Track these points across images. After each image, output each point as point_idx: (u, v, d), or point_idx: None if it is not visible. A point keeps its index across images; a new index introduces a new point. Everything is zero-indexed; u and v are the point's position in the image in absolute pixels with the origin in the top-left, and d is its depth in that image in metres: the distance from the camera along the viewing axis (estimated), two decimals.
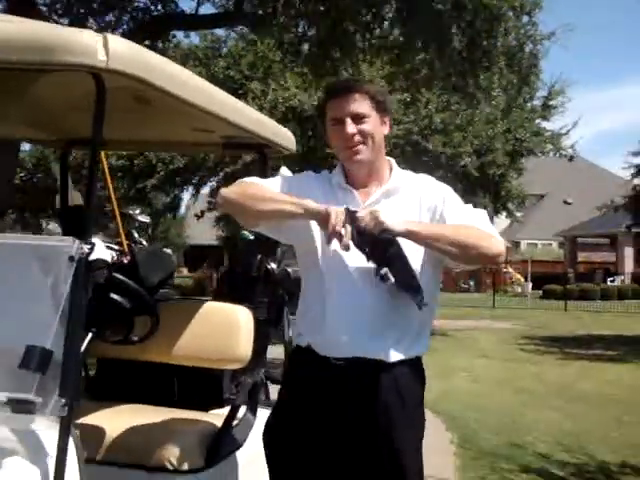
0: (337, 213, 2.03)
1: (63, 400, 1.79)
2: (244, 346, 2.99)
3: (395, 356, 2.20)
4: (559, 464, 5.25)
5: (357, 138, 2.23)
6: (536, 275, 28.73)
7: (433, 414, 6.59)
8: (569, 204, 39.45)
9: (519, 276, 30.77)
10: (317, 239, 2.25)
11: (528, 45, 9.33)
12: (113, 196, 3.79)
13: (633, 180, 14.67)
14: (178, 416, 2.83)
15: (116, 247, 3.72)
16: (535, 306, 24.04)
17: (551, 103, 15.35)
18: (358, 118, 2.23)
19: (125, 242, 3.78)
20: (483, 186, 15.04)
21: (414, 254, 2.16)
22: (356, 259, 2.15)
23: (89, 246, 1.85)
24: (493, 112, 13.41)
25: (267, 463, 2.36)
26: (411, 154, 12.84)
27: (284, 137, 3.11)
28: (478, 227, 2.19)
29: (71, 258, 1.83)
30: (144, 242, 3.97)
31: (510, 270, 31.54)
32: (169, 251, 3.56)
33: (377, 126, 2.27)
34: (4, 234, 1.97)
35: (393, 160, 2.43)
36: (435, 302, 2.34)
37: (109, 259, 3.61)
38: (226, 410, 3.23)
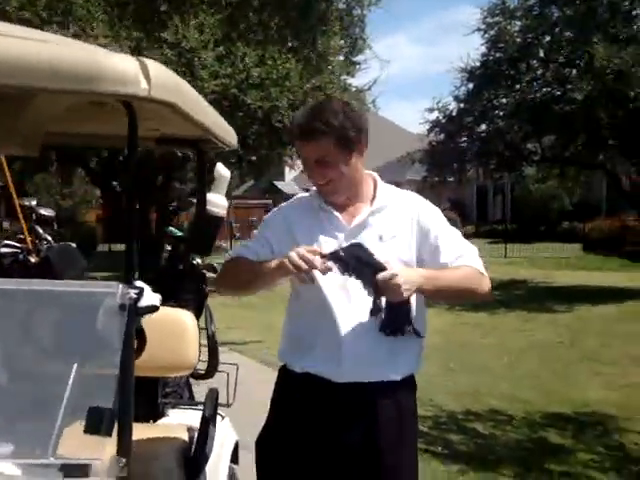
0: (290, 258, 2.03)
1: (123, 460, 1.68)
2: (193, 351, 2.94)
3: (395, 377, 2.23)
4: None
5: (325, 182, 2.22)
6: None
7: None
8: None
9: None
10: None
11: (356, 9, 9.55)
12: (12, 188, 3.37)
13: (428, 135, 15.80)
14: (141, 433, 2.69)
15: (18, 245, 3.34)
16: None
17: (355, 59, 15.91)
18: (324, 162, 2.19)
19: (29, 239, 3.40)
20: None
21: None
22: (355, 289, 2.14)
23: (136, 290, 1.71)
24: (306, 67, 13.59)
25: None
26: (228, 109, 12.65)
27: (225, 130, 2.98)
28: (472, 266, 2.24)
29: (122, 306, 1.68)
30: (49, 238, 3.60)
31: None
32: (74, 245, 3.28)
33: (346, 165, 2.20)
34: (42, 280, 1.75)
35: (375, 174, 2.39)
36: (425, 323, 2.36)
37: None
38: (172, 418, 3.16)
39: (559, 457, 4.82)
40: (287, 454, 2.25)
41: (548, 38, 13.63)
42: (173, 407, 3.24)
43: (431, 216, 2.32)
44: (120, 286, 1.69)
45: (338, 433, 2.20)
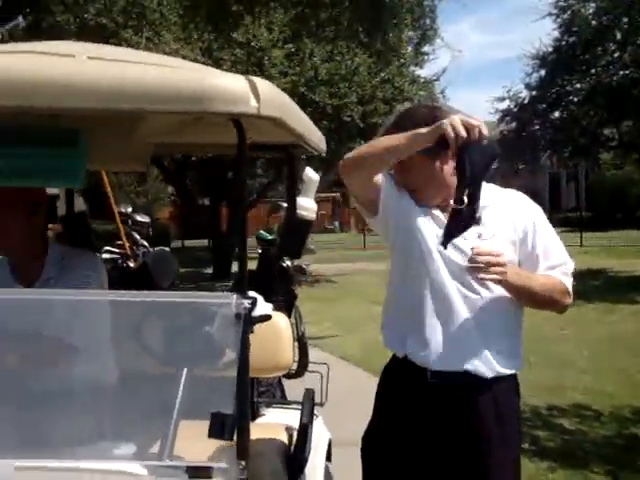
0: (453, 121, 1.97)
1: (243, 463, 1.76)
2: (288, 352, 3.02)
3: (493, 372, 2.24)
4: None
5: (411, 187, 2.27)
6: None
7: (371, 374, 6.89)
8: None
9: None
10: (420, 239, 2.26)
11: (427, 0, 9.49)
12: (111, 197, 3.53)
13: (499, 125, 15.53)
14: None
15: (117, 250, 3.50)
16: None
17: (423, 50, 15.82)
18: (407, 169, 2.24)
19: (127, 244, 3.56)
20: (362, 134, 15.33)
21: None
22: (454, 272, 2.22)
23: (250, 300, 1.79)
24: (375, 61, 13.60)
25: (363, 475, 2.43)
26: (299, 106, 12.76)
27: (317, 136, 3.04)
28: (561, 279, 2.28)
29: (237, 316, 1.76)
30: (145, 243, 3.75)
31: None
32: (168, 250, 3.41)
33: (431, 169, 2.24)
34: (162, 292, 1.86)
35: None
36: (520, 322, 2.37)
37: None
38: (269, 417, 3.26)
39: None
40: (391, 448, 2.31)
41: (626, 20, 13.17)
42: (267, 406, 3.33)
43: (533, 218, 2.32)
44: (235, 296, 1.77)
45: (437, 427, 2.24)
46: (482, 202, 2.21)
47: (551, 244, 2.31)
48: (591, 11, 13.62)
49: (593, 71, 14.05)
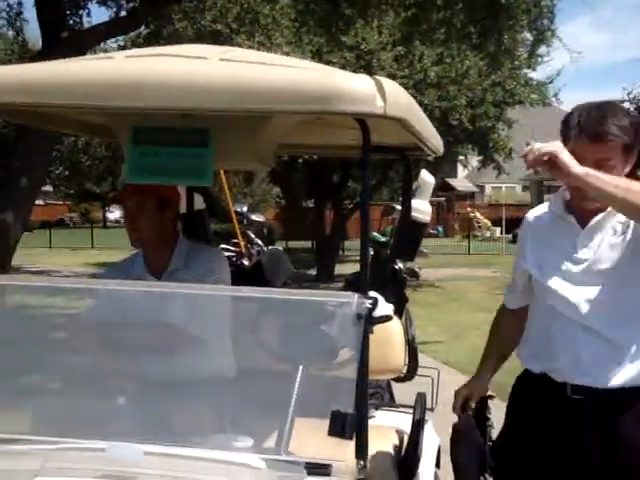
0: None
1: (362, 462, 1.76)
2: (399, 355, 3.02)
3: (634, 382, 2.13)
4: None
5: None
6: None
7: None
8: None
9: (487, 220, 31.23)
10: (539, 268, 2.25)
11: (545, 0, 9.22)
12: (229, 196, 3.66)
13: None
14: None
15: (233, 249, 3.61)
16: (509, 251, 24.49)
17: (537, 52, 15.33)
18: (604, 166, 2.08)
19: (242, 243, 3.67)
20: (470, 138, 15.10)
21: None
22: (582, 287, 2.15)
23: (371, 300, 1.79)
24: (486, 64, 13.34)
25: None
26: None
27: (436, 138, 2.99)
28: None
29: (358, 316, 1.77)
30: (260, 242, 3.86)
31: (477, 215, 31.98)
32: (282, 250, 3.48)
33: (622, 171, 2.14)
34: (284, 290, 1.90)
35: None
36: None
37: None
38: (379, 420, 3.26)
39: None
40: (523, 462, 2.24)
41: None
42: (377, 409, 3.33)
43: None
44: (356, 296, 1.77)
45: (574, 444, 2.15)
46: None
47: None
48: None
49: None
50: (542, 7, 9.00)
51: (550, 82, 15.84)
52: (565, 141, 2.13)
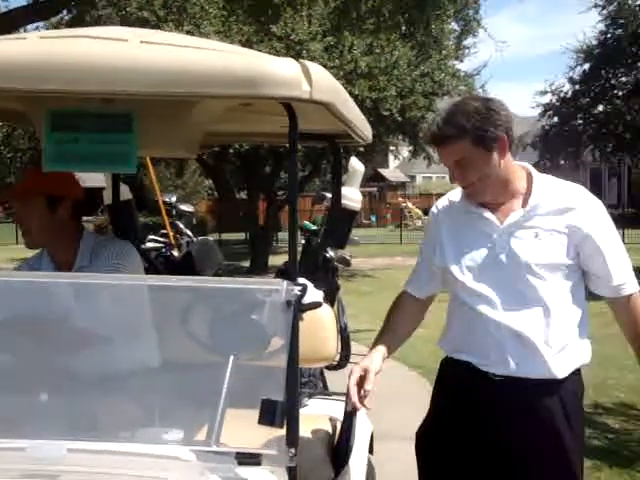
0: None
1: (292, 451, 1.75)
2: (332, 343, 3.00)
3: (559, 372, 2.17)
4: None
5: (467, 184, 2.18)
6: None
7: (410, 368, 6.86)
8: None
9: (418, 210, 31.67)
10: (457, 271, 2.24)
11: None
12: (156, 187, 3.56)
13: (541, 119, 15.31)
14: None
15: (162, 240, 3.52)
16: None
17: (465, 43, 15.63)
18: (463, 164, 2.14)
19: (171, 234, 3.58)
20: (401, 128, 15.25)
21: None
22: (502, 285, 2.16)
23: (300, 287, 1.77)
24: (415, 55, 13.48)
25: (419, 473, 2.40)
26: None
27: (364, 125, 3.00)
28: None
29: (287, 303, 1.75)
30: (189, 233, 3.77)
31: (409, 204, 32.41)
32: (212, 240, 3.41)
33: (488, 165, 2.14)
34: (211, 278, 1.86)
35: (530, 166, 2.28)
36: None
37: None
38: (312, 408, 3.25)
39: None
40: (446, 447, 2.26)
41: None
42: (310, 397, 3.32)
43: (596, 216, 2.21)
44: (285, 283, 1.75)
45: (495, 430, 2.18)
46: (537, 198, 2.18)
47: (616, 249, 2.23)
48: (638, 2, 13.30)
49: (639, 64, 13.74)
50: None
51: (477, 74, 16.19)
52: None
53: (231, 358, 1.87)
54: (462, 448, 2.23)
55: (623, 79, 14.01)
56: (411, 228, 29.34)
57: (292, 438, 1.76)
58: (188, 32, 11.94)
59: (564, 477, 2.21)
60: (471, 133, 2.11)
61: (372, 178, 37.78)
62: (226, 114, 2.26)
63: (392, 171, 39.70)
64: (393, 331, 2.38)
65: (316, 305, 1.82)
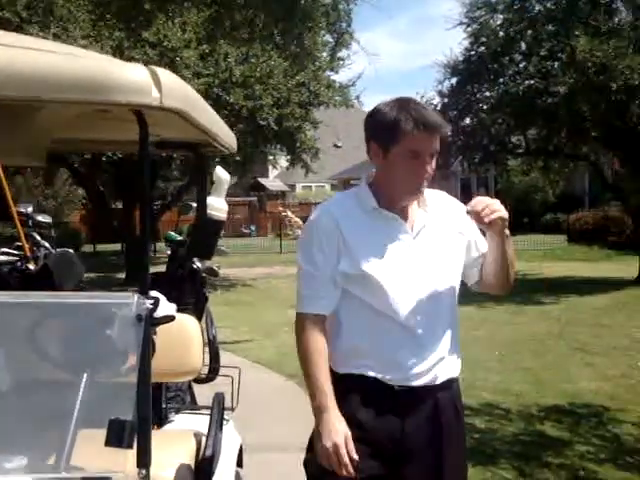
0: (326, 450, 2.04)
1: (143, 472, 1.68)
2: (198, 356, 2.95)
3: (449, 375, 2.22)
4: None
5: (427, 177, 2.16)
6: None
7: (286, 378, 6.85)
8: (339, 147, 41.39)
9: (298, 219, 31.89)
10: (373, 276, 2.15)
11: (342, 3, 9.53)
12: (9, 195, 3.34)
13: None
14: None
15: (16, 252, 3.30)
16: None
17: (339, 55, 15.94)
18: (432, 156, 2.16)
19: (27, 246, 3.36)
20: (278, 137, 15.32)
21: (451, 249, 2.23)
22: (412, 292, 2.16)
23: (152, 300, 1.71)
24: (290, 65, 13.60)
25: None
26: (213, 108, 12.60)
27: (227, 134, 2.97)
28: None
29: (138, 317, 1.68)
30: (47, 245, 3.56)
31: (289, 213, 32.59)
32: (72, 252, 3.25)
33: (434, 161, 2.20)
34: (58, 293, 1.75)
35: None
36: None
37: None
38: (177, 423, 3.16)
39: (556, 449, 4.86)
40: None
41: (530, 32, 13.69)
42: (177, 412, 3.24)
43: (463, 214, 2.24)
44: (136, 296, 1.69)
45: (402, 433, 2.16)
46: (433, 202, 2.25)
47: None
48: (498, 22, 14.08)
49: (501, 80, 14.52)
50: (340, 11, 9.32)
51: (352, 85, 16.55)
52: (392, 140, 2.12)
53: (82, 376, 1.78)
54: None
55: (487, 94, 14.78)
56: (291, 237, 29.51)
57: (143, 458, 1.68)
58: (55, 35, 11.44)
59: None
60: (446, 129, 2.16)
61: (252, 187, 37.74)
62: (78, 120, 2.15)
63: (272, 180, 39.83)
64: (325, 375, 2.15)
65: (169, 319, 1.76)
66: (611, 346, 8.25)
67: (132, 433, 1.61)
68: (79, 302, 1.77)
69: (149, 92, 1.66)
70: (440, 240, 2.23)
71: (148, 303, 1.69)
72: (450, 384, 2.24)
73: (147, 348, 1.71)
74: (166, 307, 1.73)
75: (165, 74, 1.71)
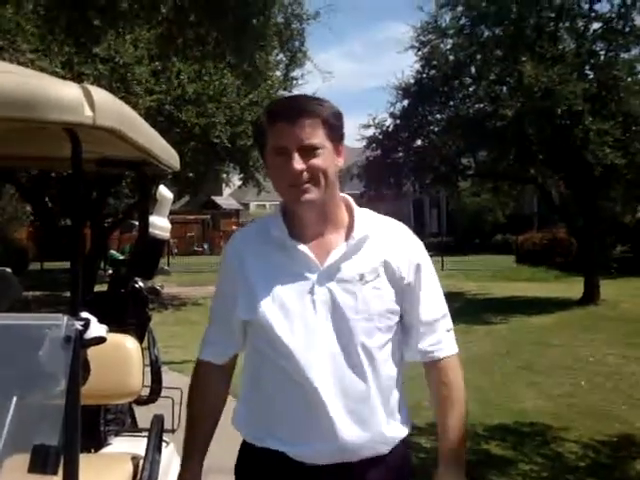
0: None
1: None
2: (137, 377, 2.91)
3: (381, 448, 1.89)
4: None
5: (305, 175, 1.78)
6: None
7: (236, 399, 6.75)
8: None
9: None
10: (279, 333, 1.82)
11: (295, 23, 9.60)
12: None
13: (365, 151, 15.97)
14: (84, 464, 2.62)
15: None
16: None
17: (293, 74, 16.03)
18: (308, 150, 1.77)
19: None
20: (231, 156, 15.30)
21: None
22: (328, 331, 1.82)
23: (82, 322, 1.67)
24: (243, 83, 13.61)
25: None
26: (165, 125, 12.54)
27: (168, 153, 2.95)
28: (453, 362, 2.07)
29: (67, 339, 1.64)
30: None
31: None
32: (9, 270, 3.17)
33: (331, 159, 1.82)
34: None
35: (349, 198, 1.97)
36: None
37: None
38: (115, 447, 3.09)
39: (500, 469, 4.92)
40: None
41: (479, 57, 14.00)
42: (116, 435, 3.17)
43: (414, 258, 1.93)
44: (65, 318, 1.65)
45: None
46: (361, 232, 1.88)
47: (434, 291, 1.96)
48: (449, 47, 14.37)
49: (452, 103, 14.80)
50: (292, 30, 9.41)
51: None
52: (261, 144, 1.86)
53: (9, 399, 1.72)
54: None
55: (438, 116, 15.04)
56: None
57: None
58: (1, 48, 11.24)
59: None
60: (326, 115, 1.80)
61: (205, 205, 37.54)
62: (7, 135, 2.11)
63: (225, 199, 39.69)
64: (199, 427, 2.01)
65: (100, 340, 1.73)
66: (556, 365, 8.41)
67: (57, 459, 1.57)
68: (7, 323, 1.72)
69: (82, 111, 1.63)
70: (361, 277, 1.84)
71: (78, 324, 1.66)
72: (382, 459, 1.88)
73: (76, 370, 1.67)
74: (97, 328, 1.69)
75: (99, 92, 1.69)
